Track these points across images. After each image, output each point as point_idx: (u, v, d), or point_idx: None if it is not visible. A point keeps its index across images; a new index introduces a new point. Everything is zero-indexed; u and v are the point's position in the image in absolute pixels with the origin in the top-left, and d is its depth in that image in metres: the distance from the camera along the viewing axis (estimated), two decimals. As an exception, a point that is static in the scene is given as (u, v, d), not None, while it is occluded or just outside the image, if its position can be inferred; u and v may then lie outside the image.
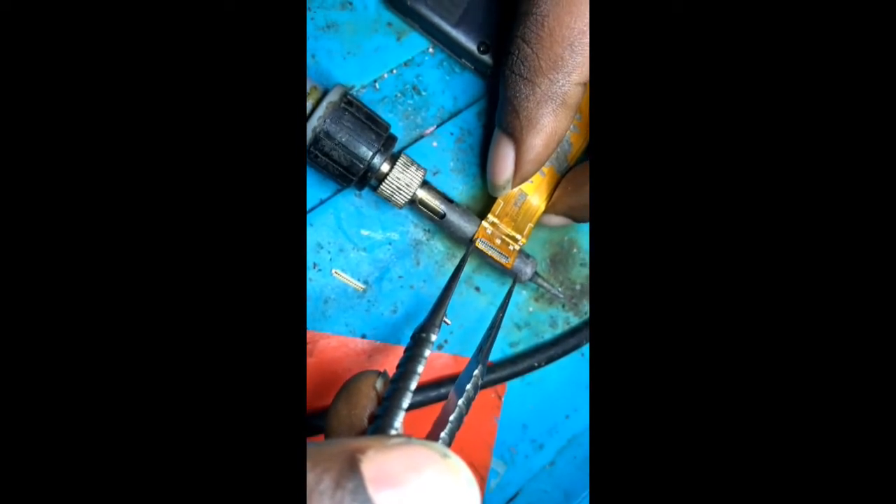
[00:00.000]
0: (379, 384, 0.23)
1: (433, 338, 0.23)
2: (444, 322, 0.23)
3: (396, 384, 0.22)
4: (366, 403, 0.23)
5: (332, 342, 0.32)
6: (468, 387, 0.23)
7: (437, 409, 0.33)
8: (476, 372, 0.24)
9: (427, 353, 0.23)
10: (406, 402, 0.22)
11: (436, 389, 0.33)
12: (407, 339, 0.33)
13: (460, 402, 0.23)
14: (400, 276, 0.32)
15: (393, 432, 0.21)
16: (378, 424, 0.21)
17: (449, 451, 0.17)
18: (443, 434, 0.22)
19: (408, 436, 0.20)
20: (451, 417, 0.22)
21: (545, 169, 0.31)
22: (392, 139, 0.29)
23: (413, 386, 0.22)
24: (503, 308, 0.28)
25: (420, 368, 0.22)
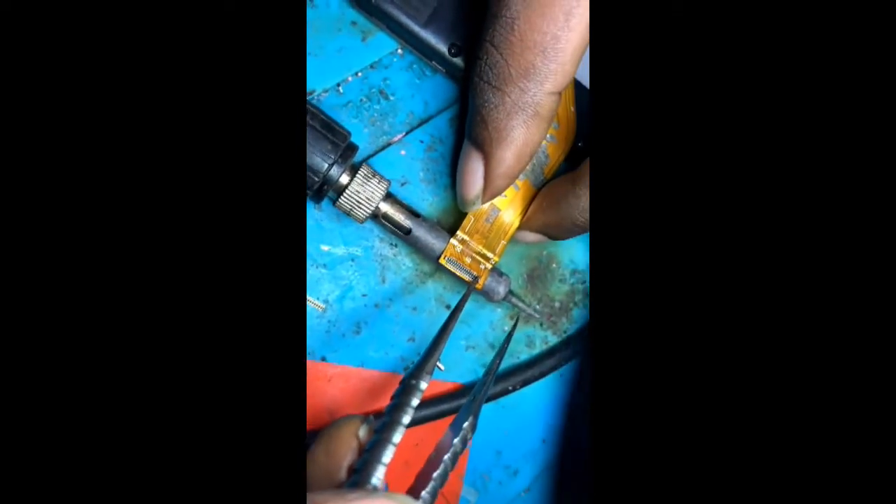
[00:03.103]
0: (362, 433, 0.21)
1: (423, 385, 0.21)
2: (438, 367, 0.21)
3: (380, 435, 0.20)
4: (345, 453, 0.21)
5: (290, 363, 0.30)
6: (456, 441, 0.21)
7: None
8: (466, 425, 0.22)
9: (415, 402, 0.21)
10: (388, 457, 0.20)
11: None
12: (371, 362, 0.31)
13: (446, 457, 0.21)
14: (364, 295, 0.30)
15: (370, 488, 0.19)
16: (356, 480, 0.20)
17: None
18: (424, 493, 0.20)
19: (377, 488, 0.19)
20: (435, 474, 0.20)
21: (519, 182, 0.28)
22: (352, 149, 0.27)
23: (397, 439, 0.20)
24: (500, 354, 0.26)
25: (406, 420, 0.20)
